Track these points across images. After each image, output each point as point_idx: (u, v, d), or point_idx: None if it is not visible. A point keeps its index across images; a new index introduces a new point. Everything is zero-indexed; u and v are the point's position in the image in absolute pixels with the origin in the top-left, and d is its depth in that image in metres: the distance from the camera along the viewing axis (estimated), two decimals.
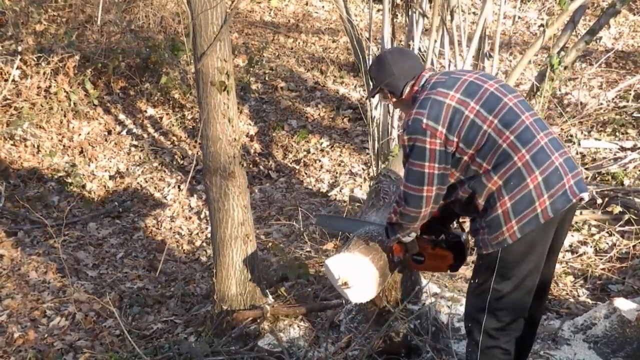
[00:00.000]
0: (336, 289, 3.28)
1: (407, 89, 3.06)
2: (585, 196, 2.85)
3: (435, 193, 2.88)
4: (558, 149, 2.85)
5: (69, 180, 6.71)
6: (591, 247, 4.80)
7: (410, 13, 5.25)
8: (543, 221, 2.77)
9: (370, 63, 3.43)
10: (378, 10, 8.02)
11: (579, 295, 4.25)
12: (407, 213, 2.94)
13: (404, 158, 2.96)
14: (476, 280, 3.00)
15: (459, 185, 2.92)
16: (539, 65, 7.23)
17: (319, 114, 7.84)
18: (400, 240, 3.12)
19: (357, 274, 3.14)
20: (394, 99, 3.15)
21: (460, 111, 2.83)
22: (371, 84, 3.27)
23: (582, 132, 6.47)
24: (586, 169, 5.74)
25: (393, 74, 3.06)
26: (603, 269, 4.51)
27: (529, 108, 2.94)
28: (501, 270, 2.88)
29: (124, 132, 7.50)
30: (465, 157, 2.84)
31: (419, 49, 5.22)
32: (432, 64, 5.03)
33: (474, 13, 9.10)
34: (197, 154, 7.20)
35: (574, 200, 2.81)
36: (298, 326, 4.07)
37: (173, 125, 7.69)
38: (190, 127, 7.66)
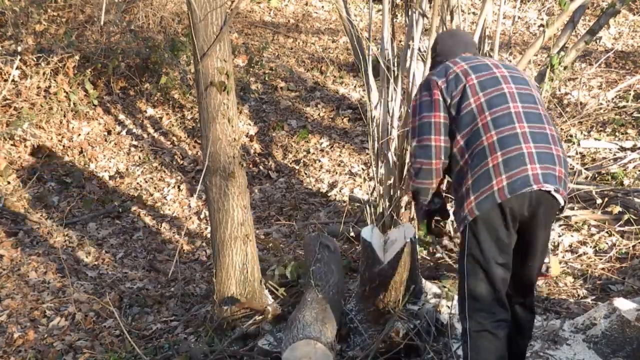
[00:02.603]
0: None
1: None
2: (556, 195, 2.84)
3: (442, 144, 3.00)
4: (539, 142, 2.88)
5: (69, 180, 6.71)
6: (591, 247, 4.80)
7: (410, 13, 5.24)
8: (499, 200, 2.80)
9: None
10: (378, 11, 8.02)
11: (578, 295, 4.25)
12: (421, 167, 3.06)
13: (411, 120, 3.15)
14: (457, 264, 3.10)
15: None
16: (539, 65, 7.23)
17: (319, 114, 7.84)
18: (426, 205, 3.20)
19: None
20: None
21: (460, 79, 3.00)
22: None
23: (581, 132, 6.48)
24: (586, 169, 5.74)
25: (436, 52, 3.32)
26: (603, 269, 4.51)
27: (531, 101, 2.99)
28: (469, 250, 2.93)
29: (123, 132, 7.50)
30: (453, 126, 3.00)
31: (419, 49, 5.21)
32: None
33: (473, 13, 9.10)
34: (197, 154, 7.20)
35: (535, 187, 2.80)
36: None
37: (173, 125, 7.69)
38: (190, 127, 7.66)
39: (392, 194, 4.89)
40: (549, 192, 2.83)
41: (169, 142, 7.49)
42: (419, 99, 3.08)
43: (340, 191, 6.56)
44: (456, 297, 4.03)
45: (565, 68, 5.18)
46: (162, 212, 6.51)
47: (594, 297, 4.21)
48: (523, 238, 2.97)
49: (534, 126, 2.91)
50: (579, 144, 6.25)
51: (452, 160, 3.02)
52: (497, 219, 2.86)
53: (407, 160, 4.68)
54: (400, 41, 7.43)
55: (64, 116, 7.32)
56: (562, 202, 2.90)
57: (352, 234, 5.46)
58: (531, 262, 3.04)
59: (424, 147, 3.03)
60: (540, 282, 3.43)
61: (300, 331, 3.45)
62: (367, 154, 6.68)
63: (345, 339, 3.78)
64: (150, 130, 7.60)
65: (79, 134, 7.31)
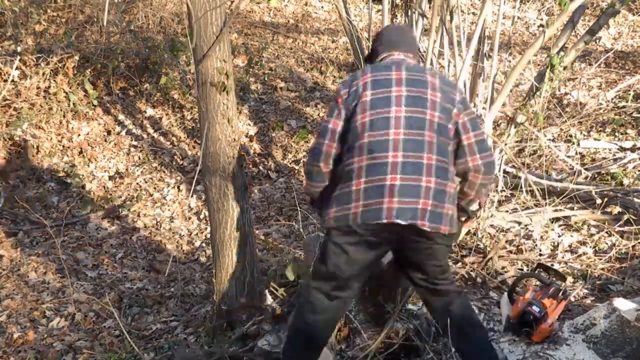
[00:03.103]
0: None
1: (381, 57, 3.30)
2: (406, 223, 2.94)
3: (333, 151, 3.14)
4: (409, 173, 2.95)
5: (69, 180, 6.71)
6: (590, 247, 4.80)
7: (409, 13, 5.25)
8: (352, 223, 2.99)
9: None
10: (377, 11, 8.02)
11: (578, 296, 4.25)
12: (309, 169, 3.26)
13: None
14: None
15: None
16: (539, 65, 7.23)
17: (319, 114, 7.84)
18: (309, 191, 3.38)
19: None
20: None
21: (358, 93, 3.07)
22: None
23: (581, 133, 6.48)
24: (586, 169, 5.75)
25: (380, 41, 3.35)
26: (602, 269, 4.51)
27: (419, 127, 3.01)
28: (321, 247, 3.21)
29: (123, 133, 7.50)
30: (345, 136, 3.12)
31: (419, 50, 5.22)
32: (431, 64, 5.03)
33: (473, 13, 9.10)
34: (197, 154, 7.20)
35: (385, 221, 2.93)
36: None
37: (172, 125, 7.69)
38: (190, 127, 7.66)
39: None
40: (402, 224, 2.95)
41: (168, 143, 7.49)
42: (332, 100, 3.24)
43: None
44: None
45: (564, 68, 5.18)
46: (161, 212, 6.51)
47: (593, 298, 4.21)
48: (406, 261, 3.21)
49: (410, 155, 2.97)
50: (578, 144, 6.26)
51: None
52: (351, 240, 3.05)
53: None
54: None
55: (64, 116, 7.32)
56: (429, 230, 2.97)
57: None
58: (426, 279, 3.21)
59: (315, 151, 3.18)
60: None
61: None
62: None
63: (345, 339, 3.78)
64: (150, 130, 7.60)
65: (79, 134, 7.31)
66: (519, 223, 5.02)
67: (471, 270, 4.52)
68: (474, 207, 3.23)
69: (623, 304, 3.57)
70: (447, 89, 3.11)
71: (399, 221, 2.92)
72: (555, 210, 5.07)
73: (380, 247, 3.12)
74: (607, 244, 4.83)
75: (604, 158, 5.97)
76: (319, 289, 3.23)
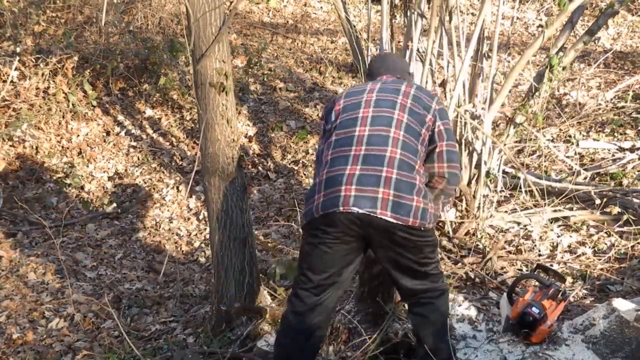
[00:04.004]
0: None
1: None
2: (364, 212, 2.95)
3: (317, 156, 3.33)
4: (370, 164, 3.01)
5: (68, 181, 6.71)
6: (590, 247, 4.81)
7: (408, 14, 5.24)
8: (317, 215, 3.03)
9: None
10: (376, 11, 8.02)
11: (577, 296, 4.25)
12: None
13: None
14: None
15: None
16: (538, 65, 7.23)
17: (318, 115, 7.84)
18: None
19: None
20: None
21: (331, 116, 3.27)
22: None
23: (580, 133, 6.48)
24: (585, 169, 5.75)
25: (369, 71, 3.59)
26: (602, 270, 4.51)
27: (385, 124, 3.11)
28: (302, 242, 3.24)
29: (122, 133, 7.50)
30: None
31: (418, 50, 5.22)
32: (430, 64, 5.03)
33: (472, 14, 9.11)
34: (196, 155, 7.20)
35: (341, 209, 2.95)
36: None
37: (172, 126, 7.69)
38: (189, 128, 7.66)
39: None
40: (366, 214, 2.95)
41: (167, 143, 7.49)
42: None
43: None
44: (458, 299, 4.04)
45: (564, 68, 5.18)
46: (161, 212, 6.51)
47: (592, 298, 4.22)
48: (384, 261, 3.19)
49: (372, 149, 3.04)
50: (577, 145, 6.26)
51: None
52: (319, 233, 3.08)
53: None
54: (399, 42, 7.43)
55: (63, 117, 7.32)
56: (393, 221, 2.96)
57: None
58: (399, 278, 3.20)
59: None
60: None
61: None
62: None
63: (344, 339, 3.78)
64: (149, 131, 7.59)
65: (78, 135, 7.30)
66: (518, 223, 5.02)
67: (470, 271, 4.52)
68: (426, 216, 3.22)
69: (622, 305, 3.57)
70: (424, 97, 3.23)
71: (354, 209, 2.94)
72: (555, 211, 5.08)
73: (348, 242, 3.08)
74: (606, 244, 4.83)
75: (603, 158, 5.97)
76: (301, 287, 3.23)
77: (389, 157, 3.01)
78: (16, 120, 6.94)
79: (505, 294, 3.79)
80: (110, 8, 7.83)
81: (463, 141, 5.13)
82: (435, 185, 3.22)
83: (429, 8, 5.02)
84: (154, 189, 6.85)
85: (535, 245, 4.84)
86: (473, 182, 5.21)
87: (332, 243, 3.08)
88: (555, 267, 4.63)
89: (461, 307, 3.95)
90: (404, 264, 3.14)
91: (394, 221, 2.96)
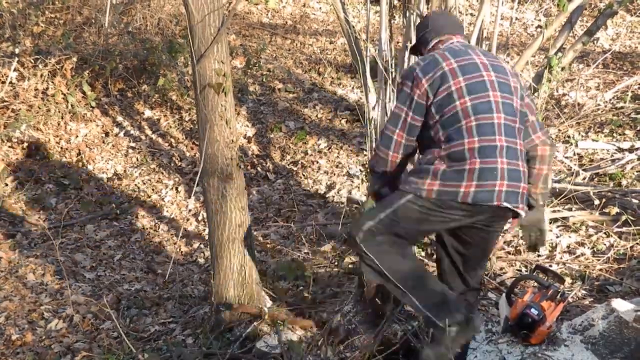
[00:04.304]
0: None
1: (433, 43, 3.28)
2: (519, 211, 2.99)
3: (402, 142, 3.11)
4: (511, 158, 2.98)
5: (67, 182, 6.71)
6: (589, 248, 4.80)
7: (407, 14, 5.24)
8: (460, 199, 2.92)
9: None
10: (375, 12, 8.02)
11: (576, 296, 4.25)
12: (378, 153, 3.18)
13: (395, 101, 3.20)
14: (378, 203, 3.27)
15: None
16: (537, 66, 7.23)
17: (317, 116, 7.84)
18: (378, 190, 3.33)
19: None
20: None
21: (447, 79, 3.01)
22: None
23: (579, 133, 6.48)
24: (584, 170, 5.74)
25: (427, 28, 3.32)
26: (601, 270, 4.51)
27: (511, 113, 3.04)
28: (402, 210, 3.03)
29: (121, 134, 7.49)
30: (431, 121, 3.04)
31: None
32: None
33: (471, 14, 9.11)
34: (195, 155, 7.20)
35: (495, 203, 2.93)
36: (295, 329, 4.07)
37: (171, 127, 7.69)
38: (188, 129, 7.66)
39: None
40: (506, 208, 2.96)
41: (166, 144, 7.49)
42: (400, 87, 3.13)
43: (338, 192, 6.56)
44: None
45: (563, 69, 5.18)
46: (160, 213, 6.50)
47: (591, 298, 4.21)
48: (472, 242, 3.17)
49: (510, 141, 3.00)
50: (576, 145, 6.26)
51: (424, 147, 3.11)
52: (445, 209, 2.98)
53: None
54: (398, 42, 7.43)
55: (62, 118, 7.31)
56: (522, 214, 3.04)
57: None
58: (475, 265, 3.26)
59: (387, 137, 3.13)
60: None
61: None
62: (365, 155, 6.68)
63: (343, 340, 3.78)
64: (148, 131, 7.59)
65: (77, 136, 7.30)
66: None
67: None
68: (550, 181, 3.27)
69: (621, 305, 3.57)
70: (515, 74, 3.21)
71: (506, 204, 2.94)
72: (554, 211, 5.07)
73: (459, 222, 3.06)
74: (605, 244, 4.83)
75: (602, 159, 5.97)
76: (393, 237, 3.10)
77: (519, 150, 3.03)
78: (15, 121, 6.94)
79: (504, 294, 3.79)
80: (110, 9, 7.82)
81: None
82: (543, 154, 3.20)
83: (427, 9, 5.02)
84: (153, 189, 6.85)
85: None
86: None
87: (447, 220, 3.03)
88: (554, 267, 4.62)
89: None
90: (488, 249, 3.25)
91: (520, 211, 3.04)
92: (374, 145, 3.36)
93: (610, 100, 7.09)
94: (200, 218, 6.35)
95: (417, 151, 3.22)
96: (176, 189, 6.87)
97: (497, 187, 2.93)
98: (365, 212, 3.45)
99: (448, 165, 2.95)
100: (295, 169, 7.05)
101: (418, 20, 5.09)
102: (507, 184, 2.94)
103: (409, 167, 3.38)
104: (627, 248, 4.67)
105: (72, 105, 7.34)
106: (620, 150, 6.07)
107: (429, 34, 3.31)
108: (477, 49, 3.21)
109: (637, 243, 4.70)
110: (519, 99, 3.11)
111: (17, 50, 7.18)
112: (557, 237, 4.95)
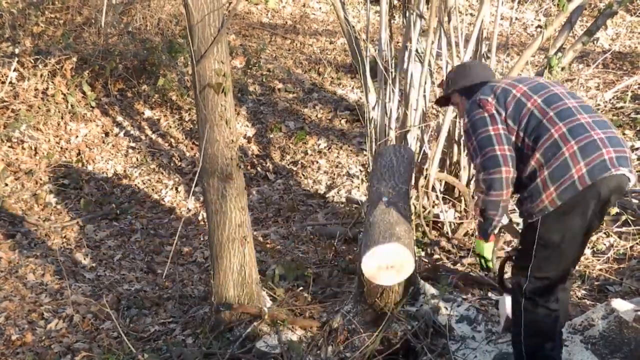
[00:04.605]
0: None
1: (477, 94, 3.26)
2: (629, 175, 2.95)
3: (508, 153, 3.03)
4: (602, 128, 2.98)
5: (67, 182, 6.71)
6: (589, 248, 4.81)
7: (407, 14, 5.25)
8: (581, 187, 2.88)
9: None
10: (375, 12, 8.03)
11: (576, 296, 4.25)
12: (488, 177, 3.06)
13: (468, 142, 3.17)
14: (520, 247, 3.20)
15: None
16: (537, 66, 7.24)
17: (317, 116, 7.84)
18: (496, 227, 3.22)
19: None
20: (466, 102, 3.36)
21: (509, 90, 3.12)
22: (445, 86, 3.59)
23: None
24: None
25: (471, 78, 3.42)
26: (600, 270, 4.52)
27: (575, 96, 3.12)
28: (542, 239, 3.02)
29: (121, 134, 7.50)
30: (513, 137, 3.05)
31: (416, 51, 5.22)
32: (429, 65, 5.04)
33: (471, 14, 9.11)
34: (195, 156, 7.20)
35: (613, 171, 2.89)
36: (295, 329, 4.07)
37: (171, 127, 7.69)
38: (188, 129, 7.66)
39: None
40: (623, 174, 2.94)
41: (166, 144, 7.49)
42: (471, 119, 3.14)
43: (338, 193, 6.56)
44: (458, 300, 4.04)
45: (562, 69, 5.19)
46: (160, 213, 6.50)
47: (591, 298, 4.22)
48: (595, 221, 3.07)
49: (592, 116, 3.03)
50: (627, 148, 6.26)
51: (521, 161, 3.06)
52: (577, 203, 2.94)
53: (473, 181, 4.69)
54: (397, 42, 7.44)
55: (62, 118, 7.31)
56: (634, 180, 3.02)
57: (350, 235, 5.46)
58: (589, 236, 3.18)
59: (490, 158, 3.04)
60: None
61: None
62: (365, 155, 6.68)
63: (343, 340, 3.78)
64: (148, 131, 7.59)
65: (77, 136, 7.30)
66: (518, 224, 5.02)
67: (470, 271, 4.52)
68: None
69: (621, 305, 3.58)
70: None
71: (622, 169, 2.92)
72: None
73: (593, 210, 3.00)
74: (605, 244, 4.83)
75: None
76: (548, 278, 3.10)
77: (607, 121, 3.06)
78: (15, 121, 6.94)
79: (504, 294, 3.79)
80: (110, 9, 7.83)
81: (462, 142, 5.13)
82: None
83: (427, 9, 5.02)
84: (152, 189, 6.85)
85: None
86: (472, 182, 5.21)
87: (587, 215, 2.98)
88: None
89: (460, 308, 3.95)
90: (596, 227, 3.18)
91: (633, 178, 3.01)
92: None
93: (610, 100, 7.09)
94: (200, 218, 6.35)
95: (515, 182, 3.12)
96: (176, 189, 6.87)
97: (606, 155, 2.90)
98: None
99: (548, 166, 2.94)
100: (295, 169, 7.05)
101: (418, 21, 5.09)
102: (614, 150, 2.93)
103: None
104: (627, 248, 4.68)
105: (72, 105, 7.34)
106: None
107: (474, 84, 3.39)
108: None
109: (637, 243, 4.70)
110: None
111: (17, 50, 7.18)
112: None
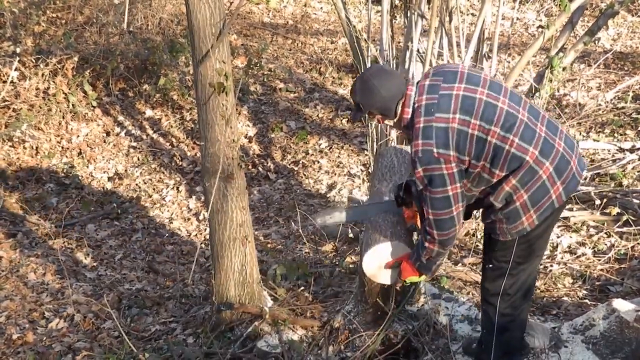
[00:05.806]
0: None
1: (399, 109, 3.04)
2: (584, 173, 3.14)
3: (461, 210, 3.01)
4: (556, 132, 3.02)
5: (68, 181, 6.71)
6: (590, 248, 4.81)
7: (408, 14, 5.25)
8: (557, 205, 2.99)
9: (355, 84, 3.15)
10: (377, 12, 8.03)
11: (577, 296, 4.25)
12: (443, 238, 3.04)
13: (422, 189, 3.00)
14: (491, 266, 3.21)
15: (473, 191, 3.06)
16: (538, 66, 7.23)
17: (318, 115, 7.84)
18: (437, 266, 3.25)
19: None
20: (389, 121, 3.13)
21: (464, 132, 2.89)
22: (356, 107, 3.15)
23: (580, 133, 6.48)
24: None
25: (382, 96, 3.03)
26: (601, 270, 4.51)
27: (518, 100, 3.03)
28: (517, 257, 3.10)
29: (122, 134, 7.50)
30: (478, 169, 2.96)
31: (418, 51, 5.22)
32: (430, 65, 5.03)
33: (472, 14, 9.11)
34: (196, 155, 7.20)
35: (580, 180, 3.05)
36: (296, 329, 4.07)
37: (172, 126, 7.69)
38: (189, 128, 7.66)
39: None
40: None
41: (167, 144, 7.49)
42: (429, 173, 2.91)
43: (339, 192, 6.56)
44: (458, 299, 4.04)
45: (564, 69, 5.18)
46: (161, 213, 6.51)
47: (592, 298, 4.22)
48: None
49: (541, 120, 3.03)
50: (577, 145, 6.26)
51: (489, 187, 3.01)
52: (552, 220, 3.10)
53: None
54: (399, 42, 7.44)
55: (63, 117, 7.32)
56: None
57: (350, 235, 5.46)
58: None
59: (445, 221, 2.99)
60: None
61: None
62: (366, 154, 6.68)
63: (344, 340, 3.78)
64: (149, 131, 7.60)
65: (78, 136, 7.31)
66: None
67: (470, 271, 4.52)
68: None
69: (622, 305, 3.58)
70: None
71: (584, 173, 3.12)
72: None
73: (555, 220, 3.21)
74: (606, 244, 4.83)
75: (603, 159, 5.97)
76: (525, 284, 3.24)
77: (549, 118, 3.09)
78: (16, 120, 6.94)
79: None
80: (111, 9, 7.83)
81: None
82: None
83: (429, 9, 5.02)
84: (154, 189, 6.85)
85: None
86: None
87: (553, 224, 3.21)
88: (555, 267, 4.63)
89: (461, 308, 3.95)
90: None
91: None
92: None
93: (611, 100, 7.09)
94: (201, 217, 6.35)
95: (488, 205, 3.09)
96: (177, 188, 6.87)
97: (574, 167, 3.00)
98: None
99: (527, 190, 2.95)
100: (296, 168, 7.06)
101: (419, 20, 5.09)
102: (574, 154, 3.03)
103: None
104: (628, 248, 4.68)
105: (73, 104, 7.34)
106: (621, 150, 6.07)
107: (389, 102, 3.04)
108: (442, 85, 2.99)
109: (638, 243, 4.70)
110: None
111: (18, 50, 7.18)
112: (558, 237, 4.95)
